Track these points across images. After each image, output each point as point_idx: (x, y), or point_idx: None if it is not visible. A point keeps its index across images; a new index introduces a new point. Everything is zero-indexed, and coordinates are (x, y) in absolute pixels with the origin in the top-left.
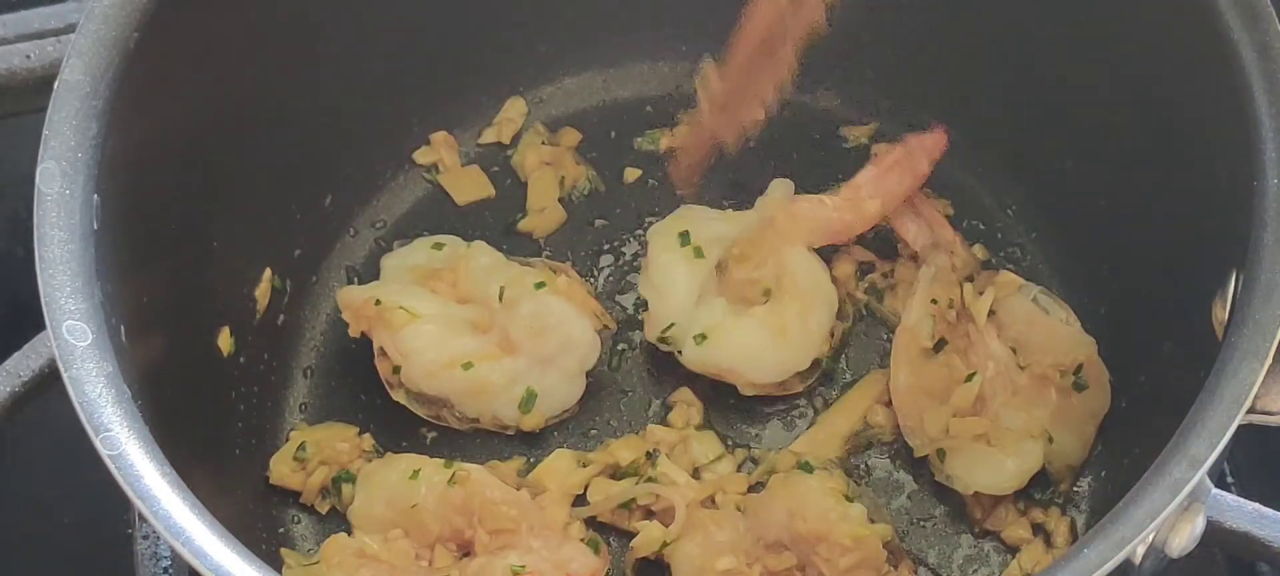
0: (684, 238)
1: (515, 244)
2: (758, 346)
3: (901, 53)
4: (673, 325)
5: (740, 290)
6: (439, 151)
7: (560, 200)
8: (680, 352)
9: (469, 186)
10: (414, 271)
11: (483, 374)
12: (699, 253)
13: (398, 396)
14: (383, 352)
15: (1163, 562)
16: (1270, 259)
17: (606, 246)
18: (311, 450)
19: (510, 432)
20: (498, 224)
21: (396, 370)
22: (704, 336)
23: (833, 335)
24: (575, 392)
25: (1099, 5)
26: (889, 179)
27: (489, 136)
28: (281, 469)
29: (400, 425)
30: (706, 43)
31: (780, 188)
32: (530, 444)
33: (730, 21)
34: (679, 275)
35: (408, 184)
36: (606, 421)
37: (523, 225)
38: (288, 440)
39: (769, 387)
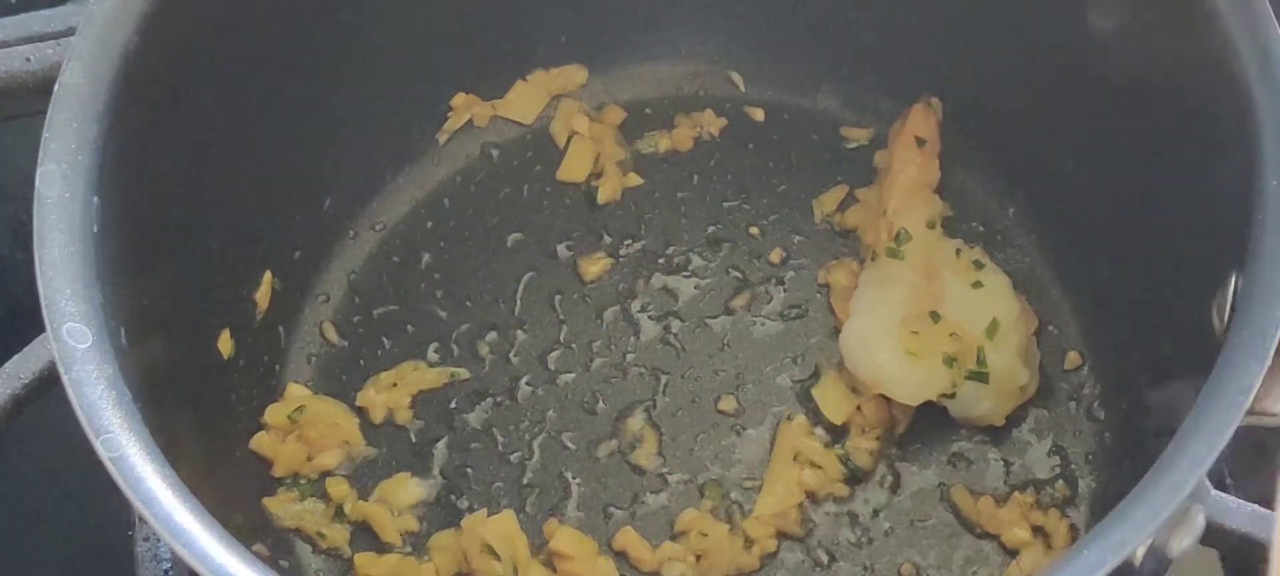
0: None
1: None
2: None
3: (902, 54)
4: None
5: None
6: (467, 110)
7: (580, 185)
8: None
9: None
10: None
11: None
12: None
13: None
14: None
15: (1162, 563)
16: (1270, 259)
17: (602, 250)
18: (307, 416)
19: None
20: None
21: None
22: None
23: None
24: None
25: (1099, 6)
26: None
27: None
28: (276, 417)
29: (394, 432)
30: (706, 44)
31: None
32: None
33: (730, 22)
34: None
35: (407, 187)
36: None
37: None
38: (284, 397)
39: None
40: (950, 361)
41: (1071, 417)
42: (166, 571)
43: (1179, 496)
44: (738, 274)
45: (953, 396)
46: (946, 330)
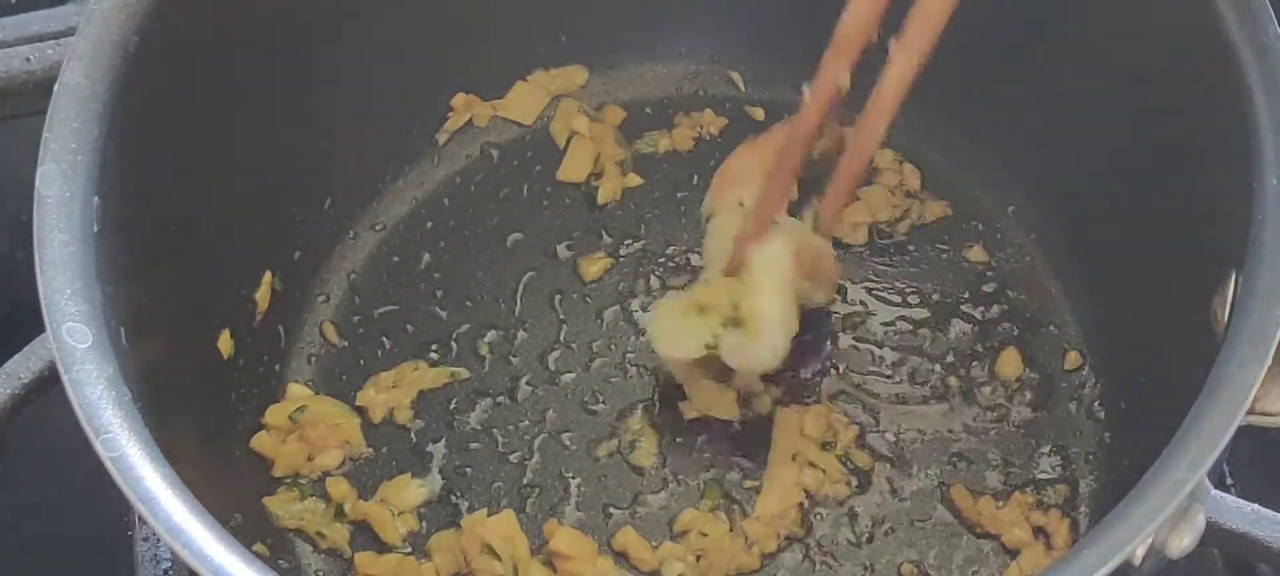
0: None
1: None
2: None
3: None
4: None
5: None
6: (467, 111)
7: (580, 185)
8: None
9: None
10: None
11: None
12: None
13: None
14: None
15: (1162, 563)
16: (1270, 259)
17: (602, 250)
18: (307, 416)
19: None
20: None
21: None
22: None
23: None
24: None
25: (1098, 6)
26: None
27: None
28: (277, 417)
29: (394, 432)
30: (706, 44)
31: None
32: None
33: (730, 22)
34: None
35: (407, 187)
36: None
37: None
38: (286, 397)
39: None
40: (702, 310)
41: (1071, 417)
42: (166, 571)
43: (1179, 496)
44: None
45: (716, 347)
46: (723, 290)
